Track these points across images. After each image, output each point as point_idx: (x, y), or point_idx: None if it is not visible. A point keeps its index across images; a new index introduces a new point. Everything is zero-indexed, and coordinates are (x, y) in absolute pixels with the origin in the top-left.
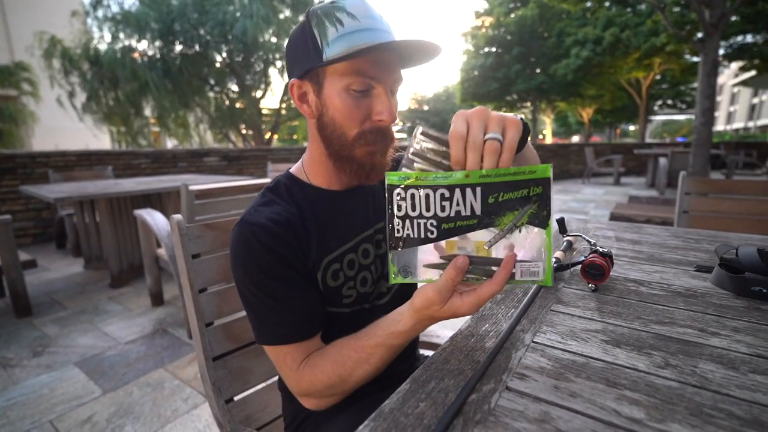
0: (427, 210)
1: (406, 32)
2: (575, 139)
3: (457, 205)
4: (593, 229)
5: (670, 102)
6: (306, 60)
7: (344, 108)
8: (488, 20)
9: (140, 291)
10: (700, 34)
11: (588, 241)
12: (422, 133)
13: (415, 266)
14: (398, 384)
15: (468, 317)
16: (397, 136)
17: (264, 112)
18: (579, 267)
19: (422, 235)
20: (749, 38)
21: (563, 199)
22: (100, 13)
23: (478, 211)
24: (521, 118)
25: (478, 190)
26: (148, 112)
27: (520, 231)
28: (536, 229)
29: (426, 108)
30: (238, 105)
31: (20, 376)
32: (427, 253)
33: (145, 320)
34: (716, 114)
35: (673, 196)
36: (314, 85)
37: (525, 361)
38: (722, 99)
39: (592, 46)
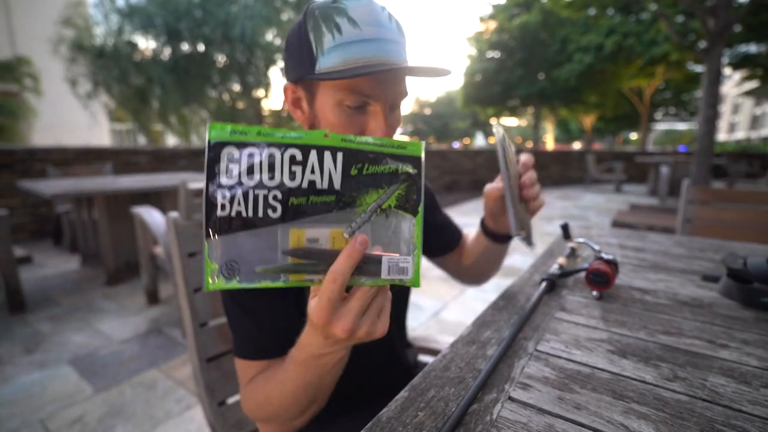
0: (271, 177)
1: (414, 40)
2: (576, 145)
3: (312, 172)
4: (596, 236)
5: (672, 111)
6: (300, 66)
7: (336, 123)
8: (492, 25)
9: (136, 289)
10: (703, 43)
11: (593, 247)
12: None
13: (247, 262)
14: (396, 392)
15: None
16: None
17: (266, 113)
18: (583, 274)
19: (260, 213)
20: (753, 48)
21: (564, 206)
22: (106, 5)
23: (336, 185)
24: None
25: (339, 155)
26: (154, 108)
27: (387, 216)
28: (405, 216)
29: (428, 112)
30: (239, 105)
31: (11, 373)
32: (262, 246)
33: (140, 319)
34: (719, 124)
35: (674, 204)
36: (307, 94)
37: (528, 370)
38: (725, 109)
39: (595, 52)
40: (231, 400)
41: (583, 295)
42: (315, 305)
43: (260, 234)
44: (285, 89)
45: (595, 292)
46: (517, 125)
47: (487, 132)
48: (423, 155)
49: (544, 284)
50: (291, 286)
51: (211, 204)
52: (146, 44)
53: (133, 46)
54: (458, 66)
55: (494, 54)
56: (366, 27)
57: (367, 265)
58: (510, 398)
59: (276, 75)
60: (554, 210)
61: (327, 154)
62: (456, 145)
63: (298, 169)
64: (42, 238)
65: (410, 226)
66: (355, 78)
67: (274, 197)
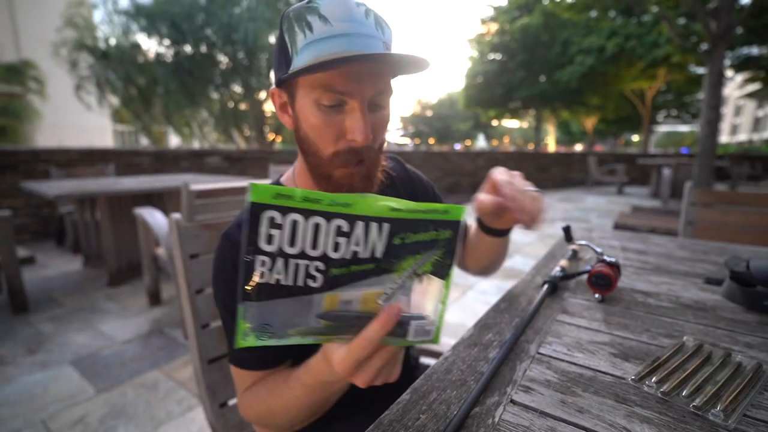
0: (314, 247)
1: (405, 38)
2: (578, 147)
3: (357, 244)
4: (598, 238)
5: (674, 113)
6: (279, 69)
7: (316, 124)
8: (493, 27)
9: (138, 290)
10: (705, 46)
11: (595, 250)
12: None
13: (280, 324)
14: (397, 394)
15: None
16: (400, 141)
17: (268, 114)
18: (585, 276)
19: (301, 283)
20: (755, 50)
21: (565, 208)
22: (110, 6)
23: (378, 254)
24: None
25: (386, 226)
26: (157, 109)
27: (420, 281)
28: (436, 281)
29: (429, 114)
30: (242, 107)
31: (14, 373)
32: (296, 309)
33: (142, 320)
34: (721, 126)
35: (676, 206)
36: (289, 97)
37: (530, 373)
38: (727, 111)
39: (596, 54)
40: (232, 402)
41: (585, 297)
42: (341, 360)
43: (296, 300)
44: (272, 95)
45: (597, 295)
46: (518, 127)
47: (488, 134)
48: (463, 219)
49: (546, 287)
50: (321, 343)
51: (249, 269)
52: (149, 46)
53: (137, 47)
54: (457, 67)
55: (495, 56)
56: (337, 23)
57: (394, 327)
58: (512, 401)
59: None
60: (556, 212)
61: (374, 226)
62: (457, 146)
63: (342, 240)
64: (45, 239)
65: (440, 288)
66: (328, 73)
67: (316, 268)
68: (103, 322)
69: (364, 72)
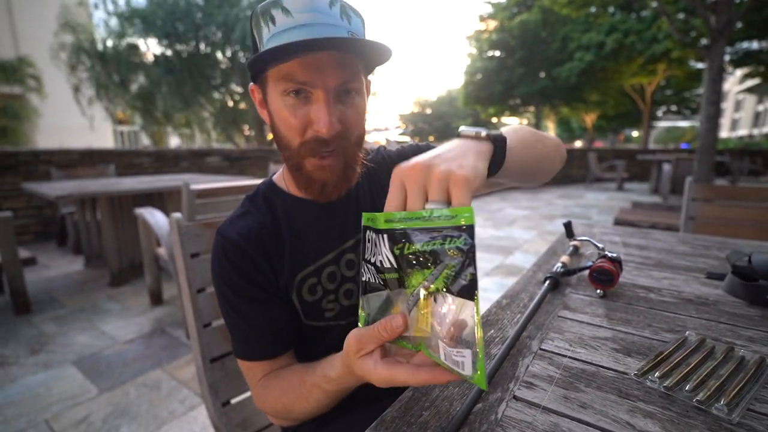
0: (373, 255)
1: (404, 34)
2: (578, 144)
3: (379, 254)
4: (599, 234)
5: (674, 108)
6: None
7: (284, 115)
8: (492, 24)
9: (139, 290)
10: (705, 40)
11: (596, 245)
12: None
13: (378, 317)
14: (399, 391)
15: None
16: (399, 139)
17: None
18: (586, 272)
19: (376, 282)
20: (755, 45)
21: (566, 204)
22: (110, 7)
23: (394, 264)
24: (489, 135)
25: (385, 237)
26: (158, 109)
27: (435, 300)
28: (458, 301)
29: (429, 111)
30: (241, 106)
31: (17, 374)
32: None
33: (144, 320)
34: (721, 121)
35: (676, 202)
36: (262, 92)
37: (532, 369)
38: (727, 106)
39: (596, 50)
40: (235, 400)
41: (586, 293)
42: (381, 381)
43: (389, 298)
44: (252, 92)
45: (598, 291)
46: (518, 124)
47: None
48: (474, 221)
49: (547, 283)
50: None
51: (362, 270)
52: (147, 47)
53: (134, 48)
54: (456, 64)
55: (494, 53)
56: (298, 14)
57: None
58: (515, 397)
59: None
60: (556, 209)
61: (379, 238)
62: None
63: (376, 250)
64: (46, 240)
65: (470, 313)
66: (288, 63)
67: (374, 271)
68: (105, 322)
69: (326, 61)
